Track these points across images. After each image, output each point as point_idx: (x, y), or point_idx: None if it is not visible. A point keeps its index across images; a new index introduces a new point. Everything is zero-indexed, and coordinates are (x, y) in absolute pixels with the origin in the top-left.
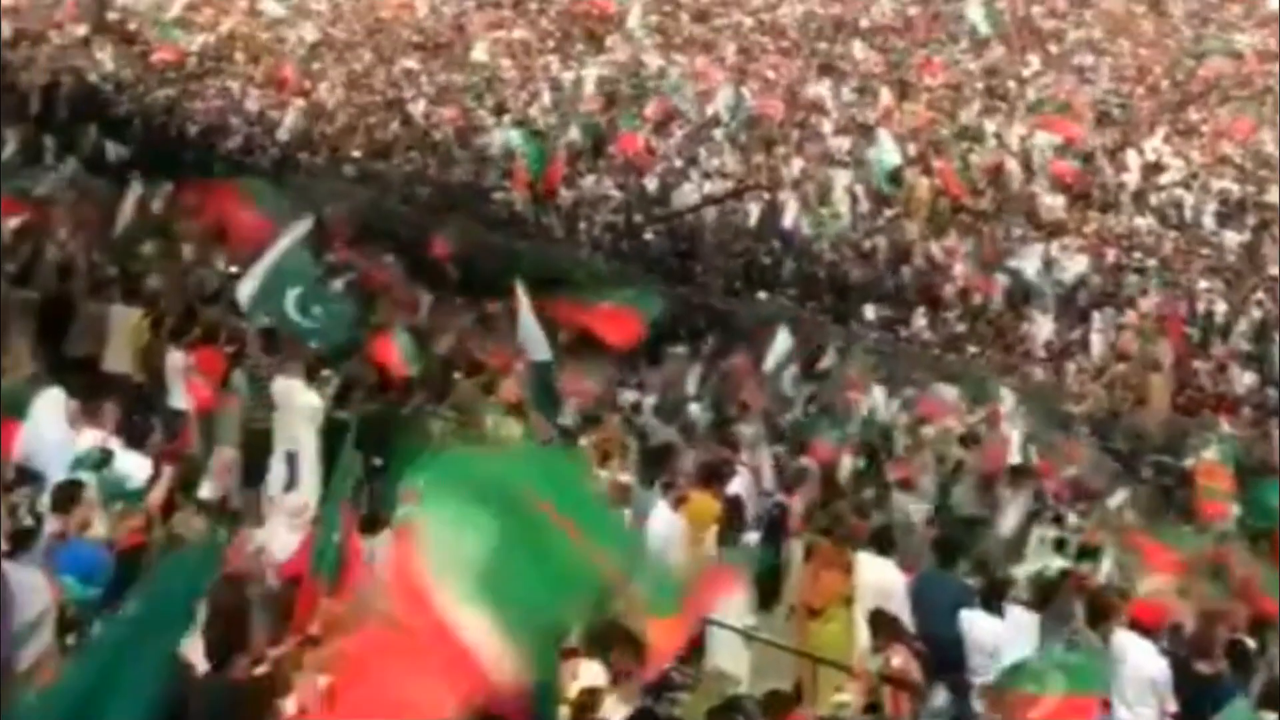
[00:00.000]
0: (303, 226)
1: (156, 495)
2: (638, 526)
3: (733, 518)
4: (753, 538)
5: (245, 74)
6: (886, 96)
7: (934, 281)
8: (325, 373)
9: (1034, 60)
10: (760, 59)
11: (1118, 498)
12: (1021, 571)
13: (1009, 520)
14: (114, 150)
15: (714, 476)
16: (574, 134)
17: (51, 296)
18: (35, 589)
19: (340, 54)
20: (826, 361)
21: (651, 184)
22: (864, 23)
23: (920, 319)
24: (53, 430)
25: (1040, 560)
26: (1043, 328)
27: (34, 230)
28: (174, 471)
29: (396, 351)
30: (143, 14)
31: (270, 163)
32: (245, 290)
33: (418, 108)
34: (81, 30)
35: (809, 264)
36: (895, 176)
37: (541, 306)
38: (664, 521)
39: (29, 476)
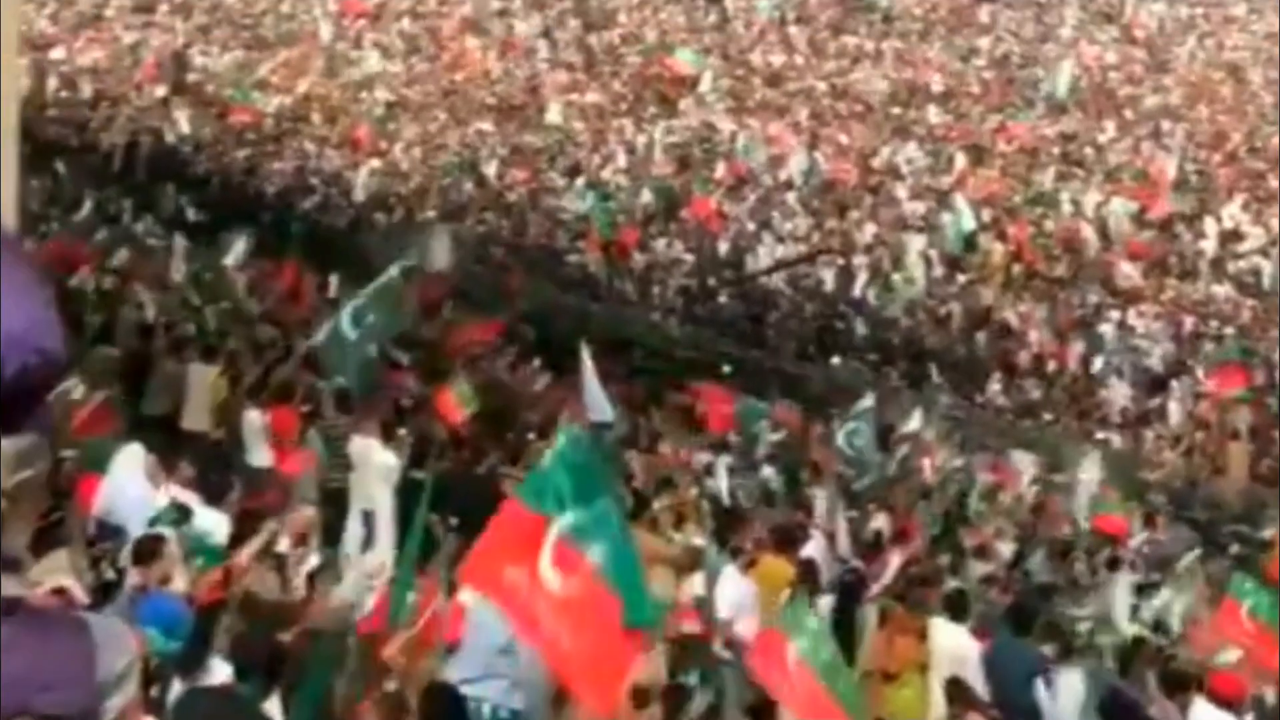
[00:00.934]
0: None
1: (235, 551)
2: (710, 590)
3: (807, 582)
4: (826, 602)
5: (321, 135)
6: (961, 161)
7: (1009, 347)
8: (401, 432)
9: (1110, 126)
10: (833, 123)
11: (1194, 566)
12: (1105, 640)
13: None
14: (192, 210)
15: (787, 540)
16: (646, 197)
17: (131, 354)
18: (121, 640)
19: (415, 115)
20: (901, 427)
21: (724, 248)
22: (938, 88)
23: (995, 385)
24: (133, 486)
25: (1118, 628)
26: (1119, 395)
27: (113, 288)
28: (252, 528)
29: (453, 398)
30: (221, 76)
31: (346, 222)
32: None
33: (491, 169)
34: (161, 91)
35: (882, 329)
36: (970, 242)
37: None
38: (735, 585)
39: (110, 531)
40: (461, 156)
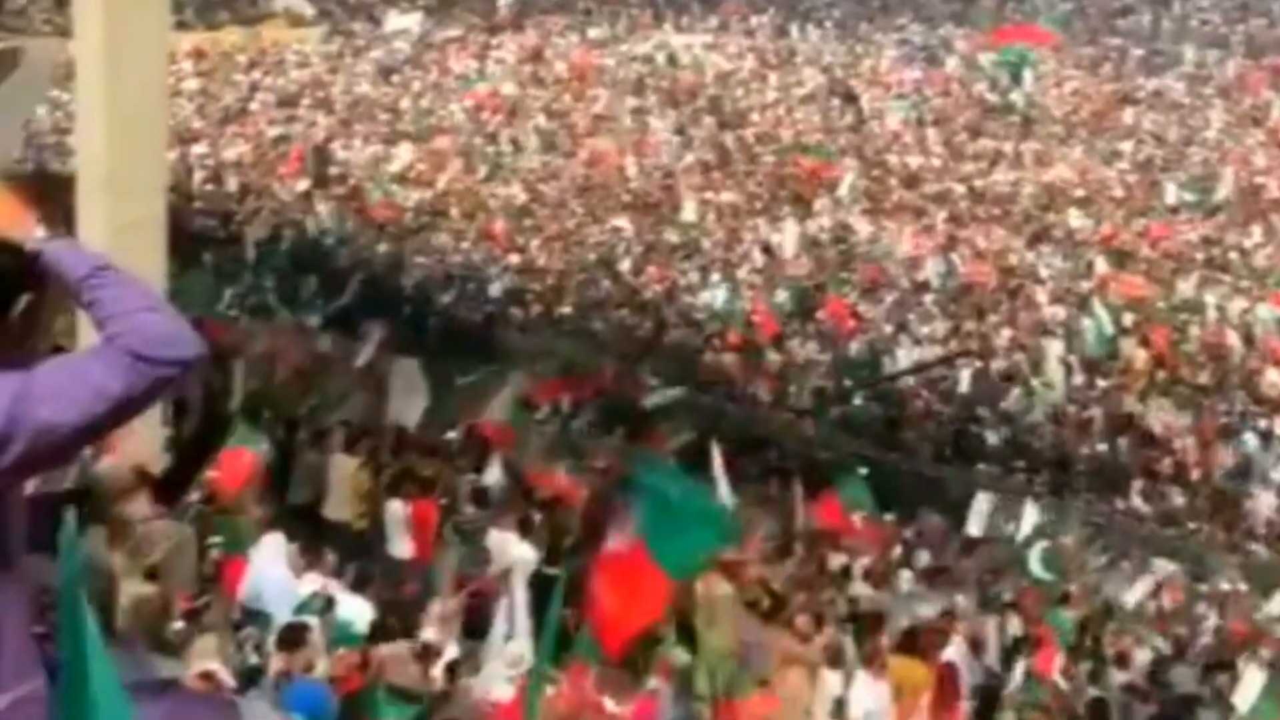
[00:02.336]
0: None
1: (378, 641)
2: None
3: (946, 686)
4: (966, 708)
5: (458, 229)
6: (1102, 265)
7: (1151, 454)
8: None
9: (1256, 231)
10: (971, 226)
11: None
12: None
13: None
14: (333, 302)
15: (925, 644)
16: (781, 297)
17: (275, 443)
18: None
19: (553, 211)
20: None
21: (860, 349)
22: (1078, 190)
23: (1137, 492)
24: (277, 573)
25: None
26: (1264, 505)
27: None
28: (395, 619)
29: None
30: (362, 169)
31: (483, 317)
32: None
33: (626, 266)
34: (303, 185)
35: (1022, 434)
36: (1111, 347)
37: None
38: (868, 690)
39: (254, 617)
40: (598, 253)
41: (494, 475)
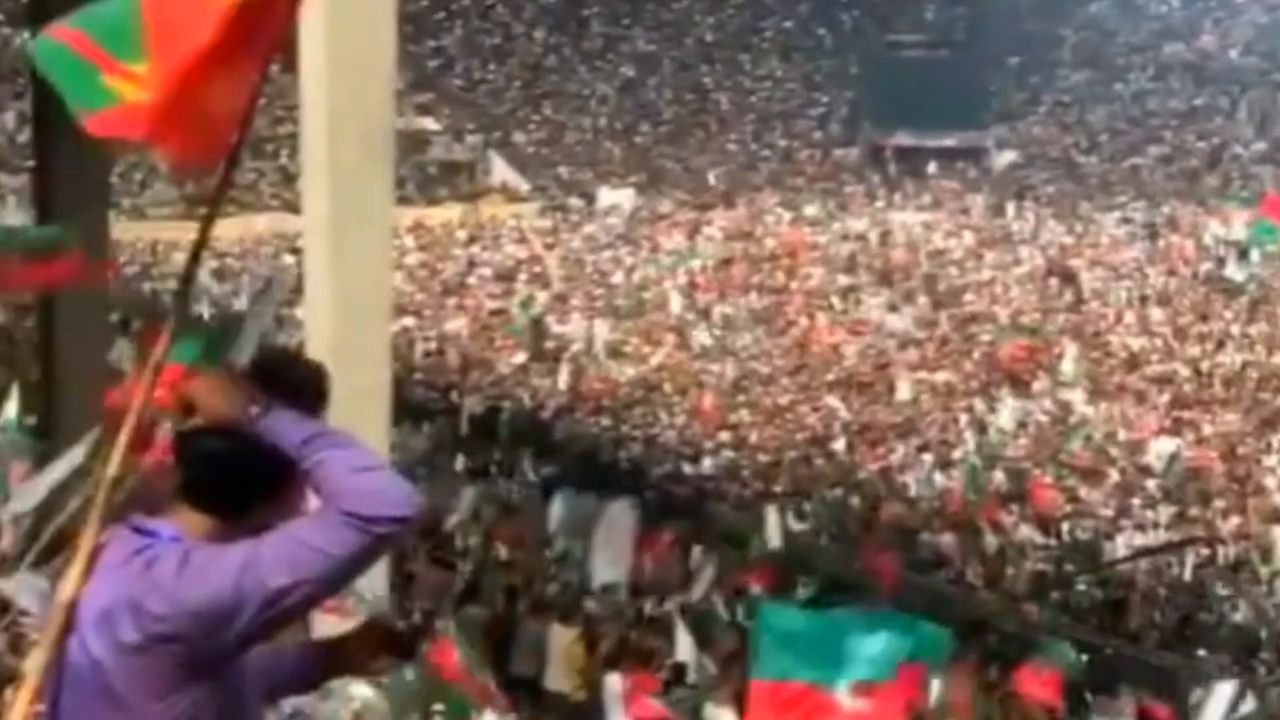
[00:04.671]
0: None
1: None
2: None
3: None
4: None
5: (672, 404)
6: None
7: None
8: None
9: None
10: (1196, 409)
11: None
12: None
13: None
14: (550, 474)
15: None
16: (999, 478)
17: (497, 615)
18: None
19: (765, 389)
20: None
21: (1082, 533)
22: None
23: None
24: None
25: None
26: None
27: (479, 548)
28: None
29: None
30: (578, 343)
31: (695, 492)
32: None
33: (840, 445)
34: (520, 358)
35: (1250, 622)
36: None
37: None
38: None
39: None
40: (811, 431)
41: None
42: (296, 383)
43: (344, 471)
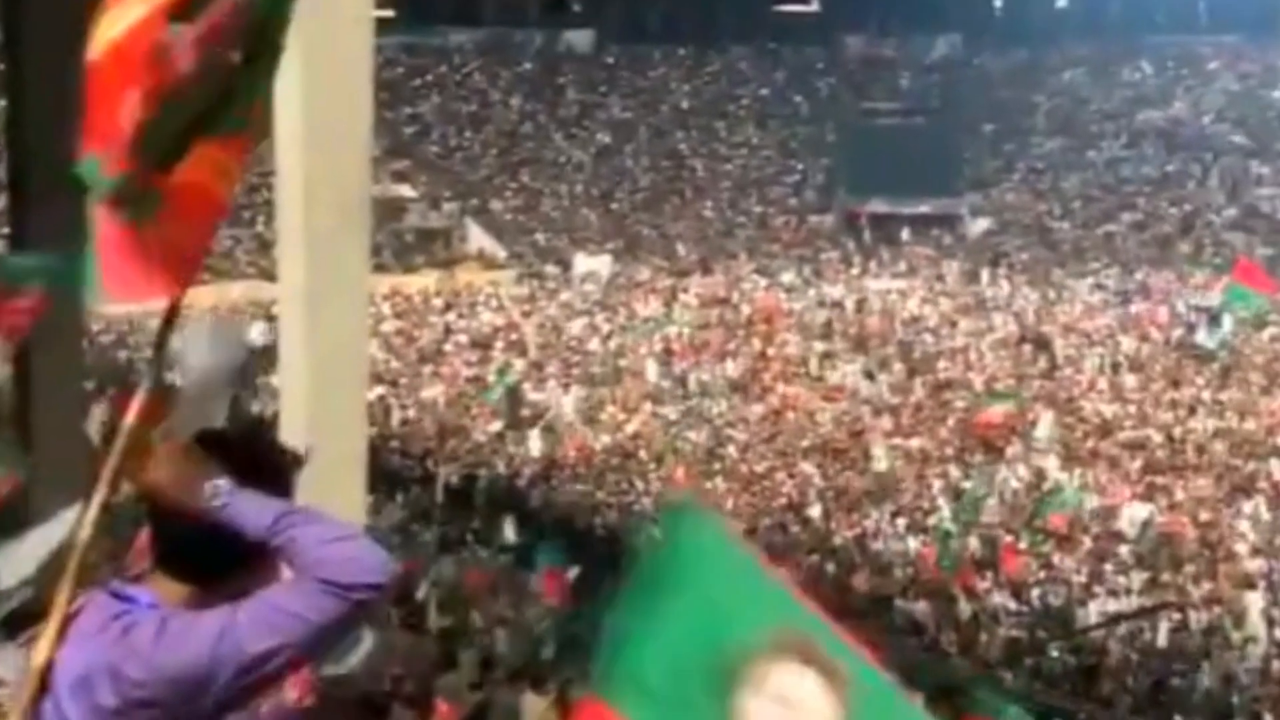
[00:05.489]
0: None
1: None
2: None
3: None
4: None
5: (647, 472)
6: None
7: None
8: None
9: None
10: (1168, 475)
11: None
12: None
13: None
14: (527, 542)
15: None
16: (973, 544)
17: (472, 685)
18: None
19: (742, 455)
20: None
21: (1054, 599)
22: None
23: None
24: None
25: None
26: None
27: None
28: None
29: None
30: (553, 410)
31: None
32: None
33: (816, 511)
34: (497, 426)
35: (1223, 687)
36: None
37: None
38: None
39: None
40: (787, 498)
41: None
42: (263, 463)
43: (317, 543)
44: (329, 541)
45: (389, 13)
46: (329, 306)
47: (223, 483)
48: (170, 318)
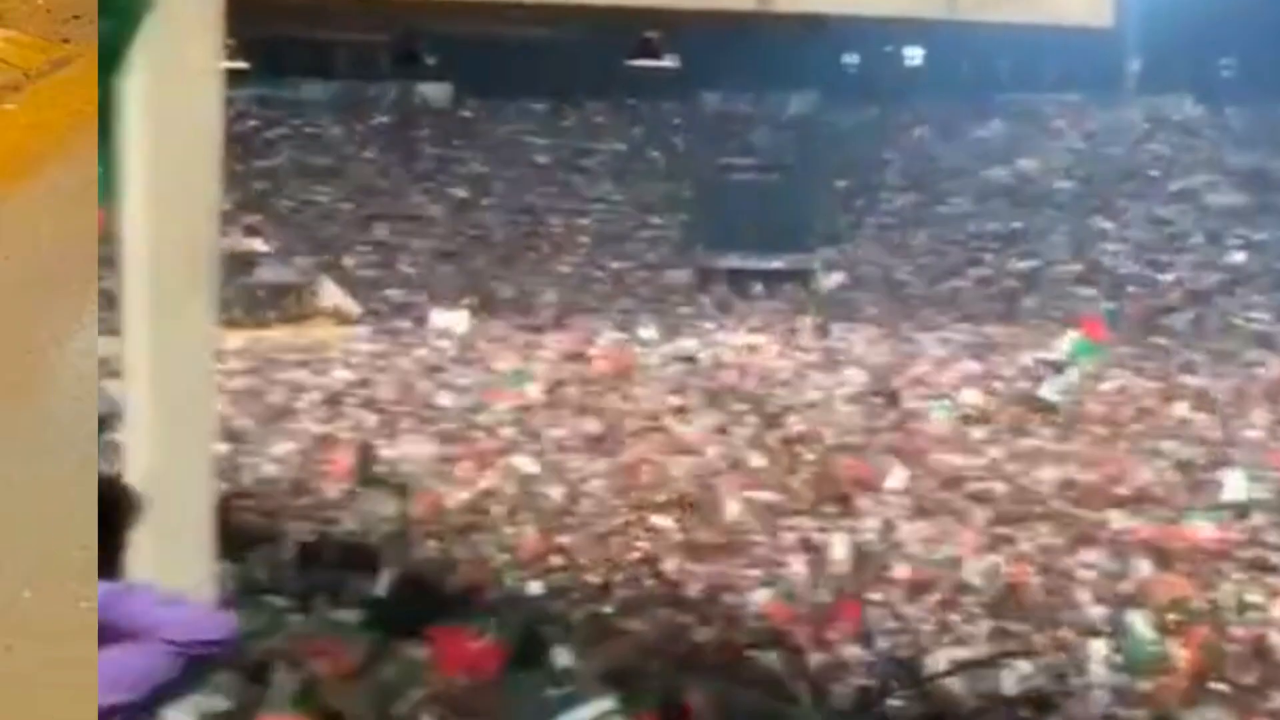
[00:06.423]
0: None
1: None
2: None
3: None
4: None
5: (500, 528)
6: (1145, 567)
7: None
8: None
9: None
10: (1013, 526)
11: None
12: None
13: None
14: (376, 600)
15: None
16: (824, 597)
17: None
18: None
19: (598, 510)
20: None
21: (902, 650)
22: (1122, 489)
23: None
24: None
25: None
26: None
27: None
28: None
29: None
30: (410, 466)
31: (530, 612)
32: None
33: (670, 565)
34: (349, 484)
35: None
36: (1154, 648)
37: None
38: None
39: None
40: (640, 552)
41: None
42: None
43: (152, 608)
44: (164, 605)
45: (242, 64)
46: (175, 363)
47: None
48: None
